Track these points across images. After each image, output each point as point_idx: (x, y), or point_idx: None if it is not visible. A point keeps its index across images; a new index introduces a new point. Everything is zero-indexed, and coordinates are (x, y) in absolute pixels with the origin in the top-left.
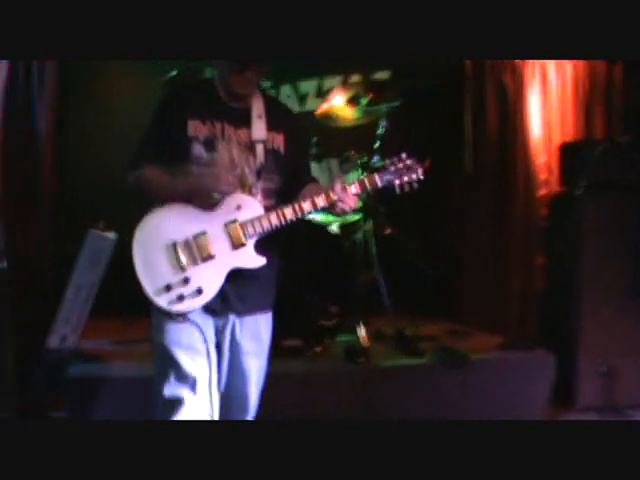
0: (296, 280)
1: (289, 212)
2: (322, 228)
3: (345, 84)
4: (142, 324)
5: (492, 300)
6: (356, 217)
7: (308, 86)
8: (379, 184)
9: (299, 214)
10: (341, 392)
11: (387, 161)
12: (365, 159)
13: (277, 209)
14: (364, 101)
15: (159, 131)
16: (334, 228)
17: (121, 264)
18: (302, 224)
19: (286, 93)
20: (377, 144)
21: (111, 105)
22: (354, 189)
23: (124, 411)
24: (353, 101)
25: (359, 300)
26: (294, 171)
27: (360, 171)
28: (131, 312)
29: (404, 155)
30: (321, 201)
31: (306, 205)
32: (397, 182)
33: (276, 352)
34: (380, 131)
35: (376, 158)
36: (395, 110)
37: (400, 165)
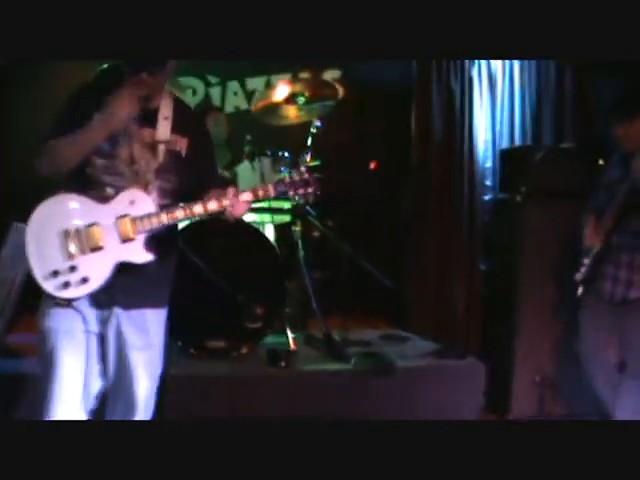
0: (223, 280)
1: (180, 213)
2: (253, 228)
3: (291, 79)
4: None
5: (433, 306)
6: (286, 218)
7: (256, 83)
8: (272, 194)
9: (189, 215)
10: (262, 396)
11: (286, 173)
12: (297, 159)
13: (169, 209)
14: (301, 99)
15: (68, 119)
16: (268, 228)
17: None
18: (234, 223)
19: (233, 90)
20: (309, 144)
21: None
22: (246, 196)
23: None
24: (292, 99)
25: (286, 302)
26: (196, 175)
27: (288, 172)
28: None
29: (303, 169)
30: (212, 205)
31: (197, 208)
32: (291, 194)
33: (200, 353)
34: (313, 131)
35: (307, 158)
36: (335, 110)
37: (297, 178)
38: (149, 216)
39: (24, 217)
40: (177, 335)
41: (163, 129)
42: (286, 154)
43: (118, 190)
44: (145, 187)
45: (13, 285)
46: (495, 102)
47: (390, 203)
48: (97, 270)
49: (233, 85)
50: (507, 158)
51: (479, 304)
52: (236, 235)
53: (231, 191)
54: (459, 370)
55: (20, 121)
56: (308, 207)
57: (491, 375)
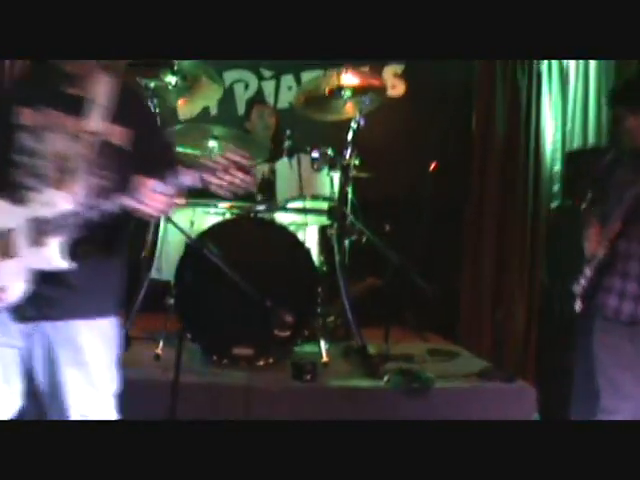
0: (250, 284)
1: (92, 213)
2: (286, 229)
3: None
4: None
5: (487, 320)
6: (327, 222)
7: (312, 77)
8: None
9: (99, 214)
10: (278, 410)
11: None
12: (337, 157)
13: (89, 207)
14: (347, 93)
15: None
16: (310, 231)
17: None
18: (265, 223)
19: (287, 84)
20: (349, 141)
21: None
22: (159, 187)
23: None
24: (337, 92)
25: (318, 310)
26: (144, 171)
27: (327, 170)
28: None
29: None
30: (126, 201)
31: (109, 204)
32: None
33: (222, 360)
34: (354, 127)
35: (346, 156)
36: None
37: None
38: (65, 216)
39: None
40: (198, 339)
41: (95, 119)
42: (329, 151)
43: (38, 190)
44: (72, 186)
45: None
46: (567, 100)
47: (448, 208)
48: (12, 278)
49: (287, 79)
50: (572, 160)
51: (538, 321)
52: (267, 236)
53: (144, 184)
54: (505, 394)
55: None
56: (345, 208)
57: (546, 402)
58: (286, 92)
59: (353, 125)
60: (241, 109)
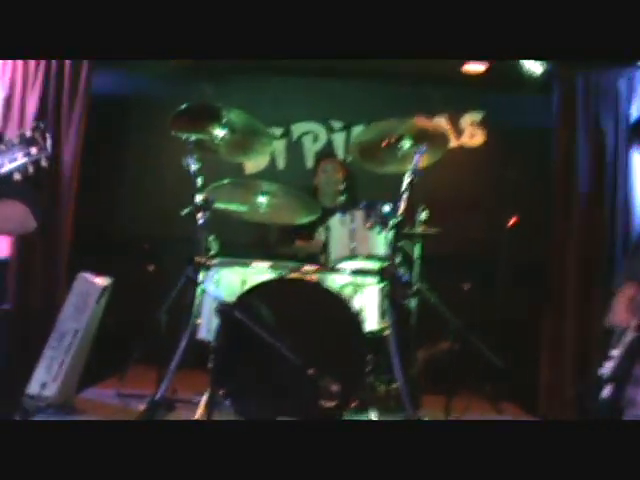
0: (297, 350)
1: None
2: (331, 291)
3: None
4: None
5: (568, 391)
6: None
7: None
8: None
9: None
10: None
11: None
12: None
13: None
14: (406, 143)
15: None
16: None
17: None
18: (312, 286)
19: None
20: (401, 194)
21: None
22: None
23: None
24: (395, 142)
25: (365, 379)
26: None
27: (382, 227)
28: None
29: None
30: None
31: None
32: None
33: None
34: (408, 179)
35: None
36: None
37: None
38: None
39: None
40: (239, 409)
41: None
42: (387, 207)
43: None
44: None
45: (75, 338)
46: None
47: (527, 265)
48: None
49: (358, 130)
50: None
51: None
52: (312, 298)
53: None
54: None
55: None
56: (397, 268)
57: None
58: None
59: (407, 177)
60: (310, 162)
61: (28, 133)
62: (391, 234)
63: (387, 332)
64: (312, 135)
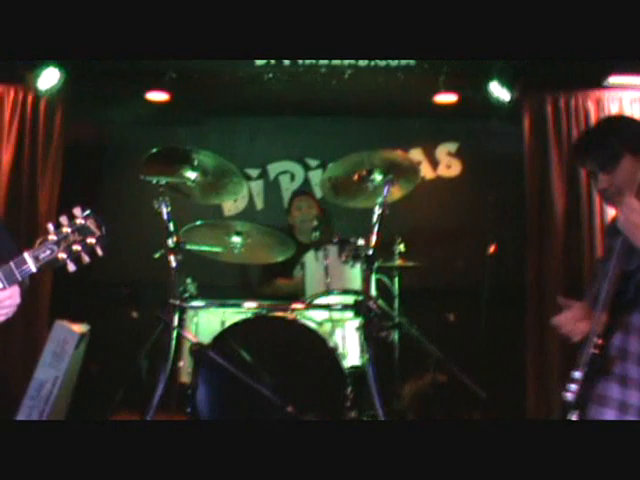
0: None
1: None
2: (306, 327)
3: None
4: None
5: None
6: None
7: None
8: (32, 269)
9: None
10: None
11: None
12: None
13: None
14: (377, 178)
15: None
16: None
17: None
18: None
19: None
20: (373, 228)
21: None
22: None
23: None
24: (366, 176)
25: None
26: None
27: (355, 261)
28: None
29: (78, 214)
30: None
31: None
32: (62, 255)
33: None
34: (378, 212)
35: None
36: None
37: (67, 230)
38: None
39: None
40: None
41: None
42: (360, 241)
43: None
44: None
45: (54, 386)
46: None
47: (508, 294)
48: None
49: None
50: None
51: None
52: (288, 336)
53: None
54: None
55: None
56: (371, 301)
57: None
58: None
59: (377, 210)
60: (287, 202)
61: (80, 221)
62: (364, 267)
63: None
64: (289, 174)
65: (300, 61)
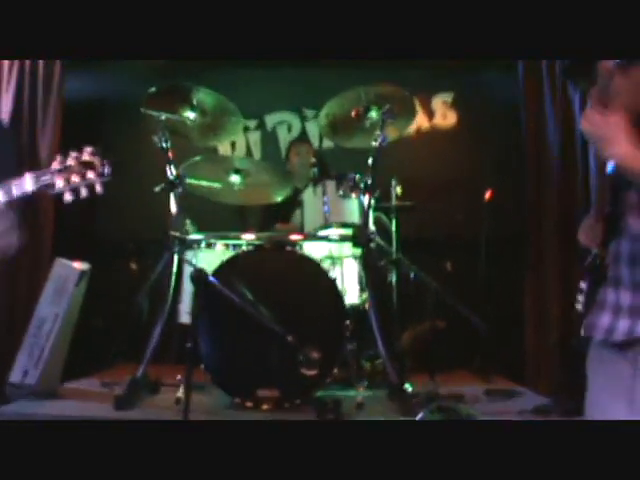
0: (271, 318)
1: None
2: (310, 259)
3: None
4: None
5: (552, 359)
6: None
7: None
8: (28, 187)
9: None
10: None
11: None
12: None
13: None
14: (373, 115)
15: None
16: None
17: None
18: (287, 254)
19: None
20: (370, 163)
21: None
22: None
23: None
24: (363, 113)
25: (345, 347)
26: None
27: (352, 196)
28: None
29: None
30: None
31: None
32: (60, 182)
33: (246, 402)
34: (375, 145)
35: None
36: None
37: (71, 162)
38: None
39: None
40: (220, 380)
41: None
42: (357, 176)
43: None
44: None
45: (55, 323)
46: None
47: (506, 239)
48: None
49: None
50: None
51: None
52: (289, 267)
53: None
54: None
55: None
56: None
57: None
58: None
59: (374, 144)
60: (284, 151)
61: (86, 157)
62: (364, 199)
63: (366, 306)
64: (286, 125)
65: None
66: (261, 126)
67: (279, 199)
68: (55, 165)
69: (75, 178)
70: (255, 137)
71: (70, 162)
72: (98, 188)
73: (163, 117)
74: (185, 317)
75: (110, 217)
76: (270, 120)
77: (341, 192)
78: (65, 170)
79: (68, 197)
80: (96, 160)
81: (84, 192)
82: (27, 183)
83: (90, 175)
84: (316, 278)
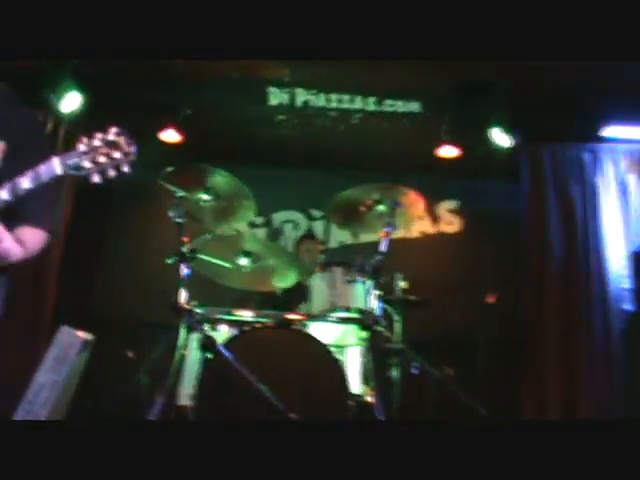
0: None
1: None
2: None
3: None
4: None
5: None
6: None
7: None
8: (57, 170)
9: None
10: None
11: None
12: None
13: None
14: (382, 207)
15: None
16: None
17: None
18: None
19: None
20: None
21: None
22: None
23: None
24: (373, 205)
25: None
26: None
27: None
28: None
29: (114, 130)
30: None
31: None
32: (87, 164)
33: None
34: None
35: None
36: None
37: (97, 143)
38: None
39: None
40: None
41: None
42: (364, 260)
43: None
44: None
45: (52, 391)
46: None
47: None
48: None
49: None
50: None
51: None
52: (294, 345)
53: None
54: None
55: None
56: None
57: None
58: (336, 231)
59: (382, 231)
60: (290, 249)
61: (112, 137)
62: (370, 285)
63: (369, 398)
64: (292, 223)
65: (311, 104)
66: (268, 224)
67: (284, 286)
68: (81, 146)
69: (102, 159)
70: (261, 233)
71: (96, 142)
72: (125, 168)
73: (180, 194)
74: (184, 400)
75: (109, 296)
76: (277, 218)
77: (348, 278)
78: (92, 151)
79: (96, 178)
80: (122, 140)
81: (112, 172)
82: (56, 166)
83: (116, 155)
84: (320, 357)
